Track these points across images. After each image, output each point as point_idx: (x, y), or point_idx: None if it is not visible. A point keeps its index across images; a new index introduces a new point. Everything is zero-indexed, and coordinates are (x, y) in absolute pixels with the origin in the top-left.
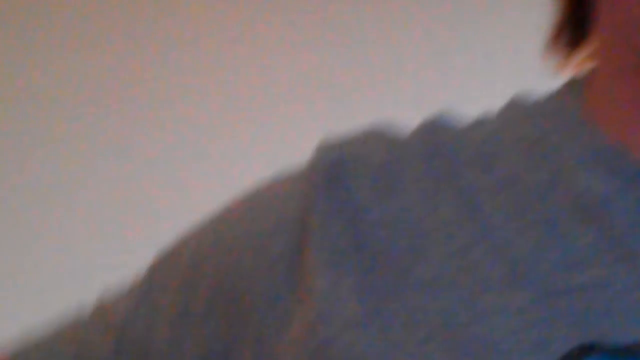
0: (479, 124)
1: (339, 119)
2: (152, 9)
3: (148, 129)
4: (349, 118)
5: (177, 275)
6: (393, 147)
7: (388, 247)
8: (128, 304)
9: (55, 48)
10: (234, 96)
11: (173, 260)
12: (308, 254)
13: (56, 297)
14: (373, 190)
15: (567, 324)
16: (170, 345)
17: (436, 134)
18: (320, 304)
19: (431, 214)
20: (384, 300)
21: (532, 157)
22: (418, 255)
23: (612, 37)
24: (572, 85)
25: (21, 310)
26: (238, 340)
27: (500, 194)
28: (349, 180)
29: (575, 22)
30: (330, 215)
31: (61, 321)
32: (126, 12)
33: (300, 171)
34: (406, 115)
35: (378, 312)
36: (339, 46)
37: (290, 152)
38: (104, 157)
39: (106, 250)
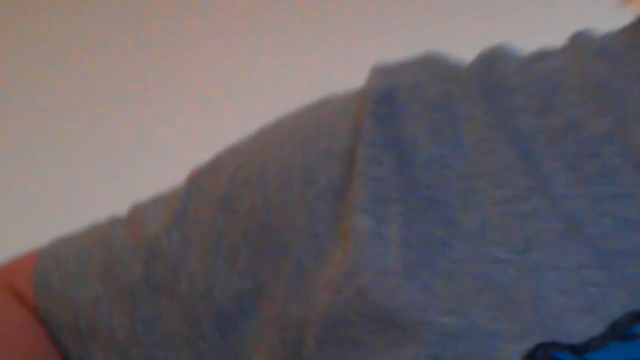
0: (542, 57)
1: None
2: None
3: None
4: None
5: (214, 198)
6: (449, 79)
7: (436, 191)
8: (161, 220)
9: (55, 47)
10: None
11: (212, 180)
12: (353, 190)
13: None
14: (425, 127)
15: (622, 286)
16: (200, 276)
17: (495, 67)
18: (361, 247)
19: (484, 157)
20: (429, 250)
21: (594, 103)
22: (467, 202)
23: None
24: None
25: None
26: (272, 275)
27: (557, 141)
28: (402, 113)
29: None
30: (379, 150)
31: (94, 226)
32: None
33: (353, 96)
34: None
35: (421, 263)
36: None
37: None
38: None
39: None
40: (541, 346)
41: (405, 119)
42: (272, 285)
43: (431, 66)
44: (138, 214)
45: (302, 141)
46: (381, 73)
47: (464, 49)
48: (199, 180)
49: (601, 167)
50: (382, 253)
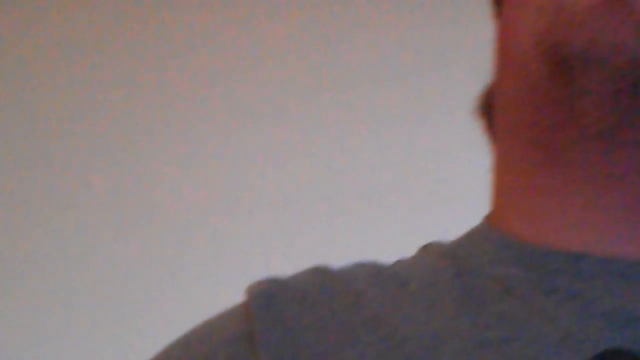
0: (397, 262)
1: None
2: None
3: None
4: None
5: None
6: (319, 281)
7: (318, 348)
8: None
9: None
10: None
11: None
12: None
13: None
14: (300, 306)
15: None
16: None
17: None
18: None
19: (356, 313)
20: None
21: (441, 268)
22: (344, 346)
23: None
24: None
25: None
26: None
27: (413, 299)
28: (282, 299)
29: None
30: (269, 329)
31: None
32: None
33: (235, 305)
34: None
35: None
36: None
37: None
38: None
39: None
40: None
41: (285, 303)
42: None
43: (307, 271)
44: None
45: (197, 343)
46: (257, 283)
47: None
48: None
49: (453, 295)
50: None
